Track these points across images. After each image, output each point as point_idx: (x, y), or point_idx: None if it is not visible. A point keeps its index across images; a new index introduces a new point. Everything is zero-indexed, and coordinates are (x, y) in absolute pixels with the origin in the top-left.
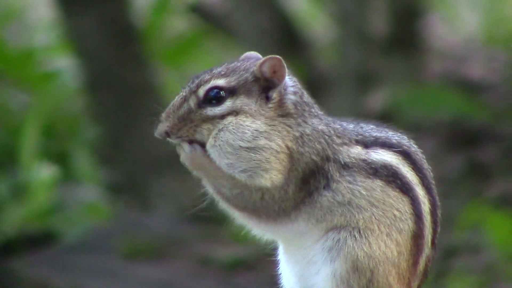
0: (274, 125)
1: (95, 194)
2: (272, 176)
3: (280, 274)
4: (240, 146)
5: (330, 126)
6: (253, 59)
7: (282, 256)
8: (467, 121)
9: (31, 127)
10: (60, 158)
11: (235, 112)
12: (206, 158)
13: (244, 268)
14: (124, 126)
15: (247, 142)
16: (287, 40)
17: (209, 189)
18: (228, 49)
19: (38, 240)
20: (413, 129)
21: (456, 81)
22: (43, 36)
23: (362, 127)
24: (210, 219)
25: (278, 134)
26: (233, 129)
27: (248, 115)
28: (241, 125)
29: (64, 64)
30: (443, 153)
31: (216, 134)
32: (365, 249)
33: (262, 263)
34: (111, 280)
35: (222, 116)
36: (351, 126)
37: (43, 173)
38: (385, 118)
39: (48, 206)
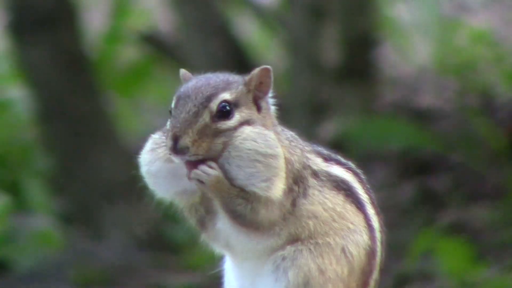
0: (276, 134)
1: (47, 223)
2: (282, 185)
3: None
4: (268, 153)
5: (294, 137)
6: (191, 77)
7: (230, 273)
8: (419, 150)
9: None
10: (11, 187)
11: (246, 123)
12: (225, 178)
13: None
14: (76, 155)
15: (271, 149)
16: (240, 69)
17: (219, 209)
18: (179, 76)
19: None
20: (364, 158)
21: (408, 110)
22: None
23: (310, 144)
24: (162, 247)
25: (280, 143)
26: (257, 137)
27: (258, 124)
28: (263, 133)
29: (16, 94)
30: (395, 182)
31: (240, 143)
32: (318, 262)
33: None
34: None
35: (235, 129)
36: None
37: None
38: (337, 147)
39: (0, 235)
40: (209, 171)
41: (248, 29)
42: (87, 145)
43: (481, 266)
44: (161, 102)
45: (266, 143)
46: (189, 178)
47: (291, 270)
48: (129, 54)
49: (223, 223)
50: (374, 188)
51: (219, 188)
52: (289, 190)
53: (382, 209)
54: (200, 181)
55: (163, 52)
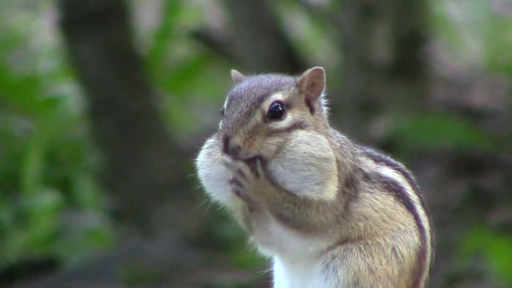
0: (328, 137)
1: (98, 221)
2: (335, 188)
3: None
4: (321, 156)
5: (345, 140)
6: (243, 78)
7: (280, 274)
8: (470, 148)
9: (34, 153)
10: (63, 184)
11: (299, 125)
12: (268, 181)
13: None
14: (127, 152)
15: (325, 152)
16: (289, 66)
17: (267, 212)
18: (230, 75)
19: (40, 267)
20: (415, 156)
21: (459, 108)
22: (46, 63)
23: (360, 146)
24: (212, 245)
25: (332, 146)
26: (311, 141)
27: (311, 127)
28: (315, 137)
29: (67, 91)
30: (446, 180)
31: (294, 146)
32: (368, 262)
33: None
34: None
35: (288, 130)
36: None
37: (46, 199)
38: (387, 145)
39: (51, 232)
40: (248, 175)
41: (299, 27)
42: (137, 143)
43: None
44: (212, 100)
45: (319, 146)
46: (230, 182)
47: (341, 269)
48: (179, 51)
49: (274, 226)
50: (424, 186)
51: (262, 192)
52: (342, 193)
53: (433, 208)
54: (240, 184)
55: (213, 49)
